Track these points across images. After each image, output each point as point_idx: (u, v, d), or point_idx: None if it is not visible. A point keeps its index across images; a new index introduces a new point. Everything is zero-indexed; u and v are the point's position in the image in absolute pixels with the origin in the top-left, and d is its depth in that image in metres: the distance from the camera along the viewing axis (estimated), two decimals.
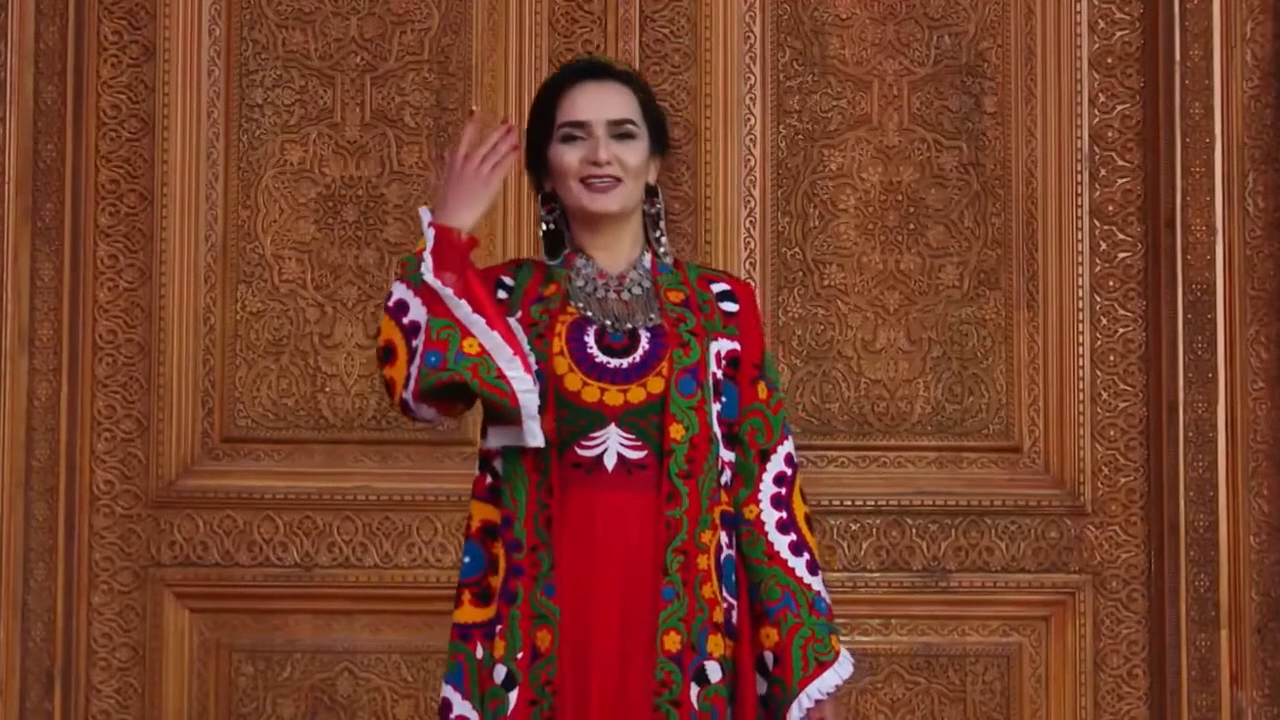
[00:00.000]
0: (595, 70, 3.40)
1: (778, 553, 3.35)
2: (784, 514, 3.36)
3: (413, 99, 4.89)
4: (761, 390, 3.38)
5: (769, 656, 3.33)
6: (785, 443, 3.39)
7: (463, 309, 3.18)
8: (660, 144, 3.42)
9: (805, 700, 3.33)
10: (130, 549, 4.86)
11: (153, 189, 4.87)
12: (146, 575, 4.85)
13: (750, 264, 4.85)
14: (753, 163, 4.87)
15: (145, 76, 4.89)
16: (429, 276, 3.19)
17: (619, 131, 3.35)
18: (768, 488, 3.36)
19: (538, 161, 3.41)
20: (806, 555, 3.36)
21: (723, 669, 3.28)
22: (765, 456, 3.37)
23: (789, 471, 3.38)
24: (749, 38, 4.88)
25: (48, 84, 4.84)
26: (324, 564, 4.84)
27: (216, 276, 4.87)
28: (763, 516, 3.35)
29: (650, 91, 3.44)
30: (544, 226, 3.41)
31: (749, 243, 4.86)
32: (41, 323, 4.83)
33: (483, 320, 3.18)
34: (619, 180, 3.34)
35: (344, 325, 4.86)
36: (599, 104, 3.35)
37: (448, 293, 3.18)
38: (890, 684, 4.85)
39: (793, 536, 3.36)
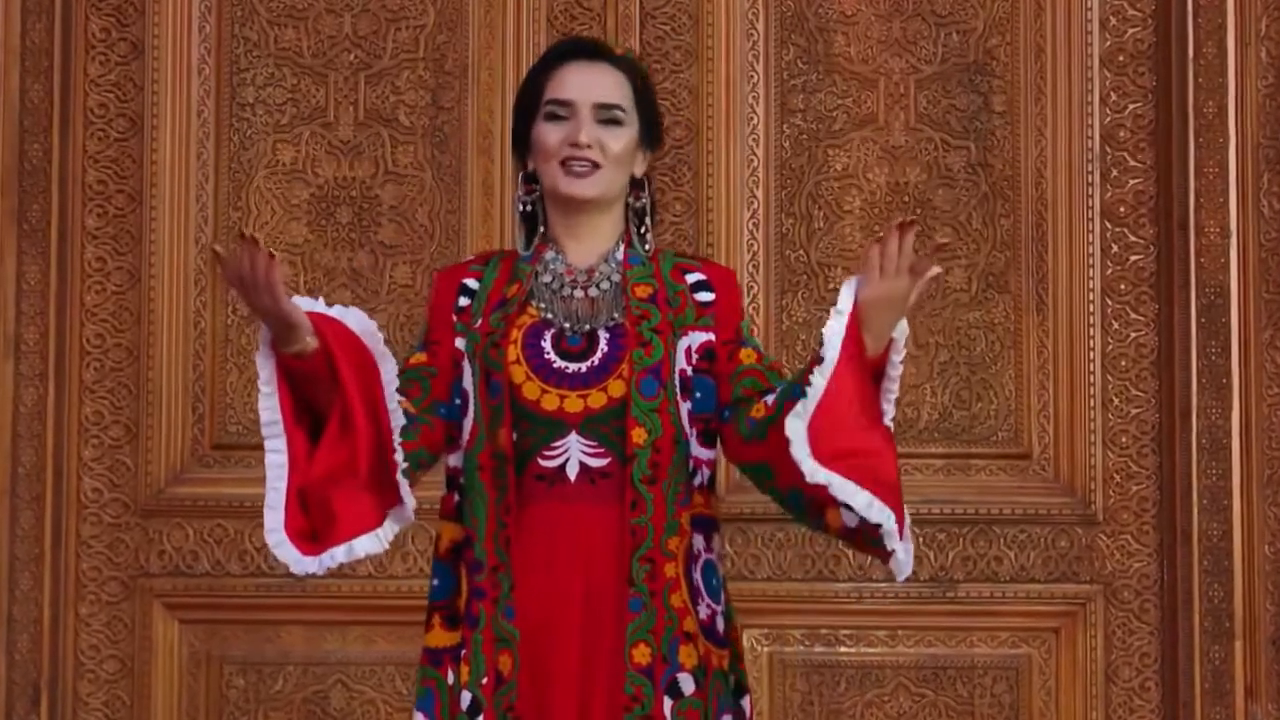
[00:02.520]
0: (589, 50, 3.32)
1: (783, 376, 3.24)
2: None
3: (408, 98, 4.86)
4: (747, 355, 3.27)
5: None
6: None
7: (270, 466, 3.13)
8: (652, 137, 3.33)
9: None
10: (118, 558, 4.84)
11: (141, 190, 4.85)
12: (135, 585, 4.83)
13: (753, 267, 4.83)
14: (756, 163, 4.84)
15: (134, 75, 4.87)
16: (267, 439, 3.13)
17: (605, 116, 3.25)
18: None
19: (522, 139, 3.32)
20: None
21: (695, 681, 3.18)
22: (767, 395, 3.23)
23: None
24: (752, 35, 4.85)
25: (34, 82, 4.82)
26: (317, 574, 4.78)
27: (207, 279, 4.84)
28: (765, 401, 3.19)
29: (649, 81, 3.36)
30: (521, 207, 3.32)
31: (752, 245, 4.84)
32: (28, 326, 4.81)
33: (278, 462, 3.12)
34: (598, 166, 3.24)
35: None
36: (587, 85, 3.26)
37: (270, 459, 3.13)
38: (897, 696, 4.82)
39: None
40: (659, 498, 3.17)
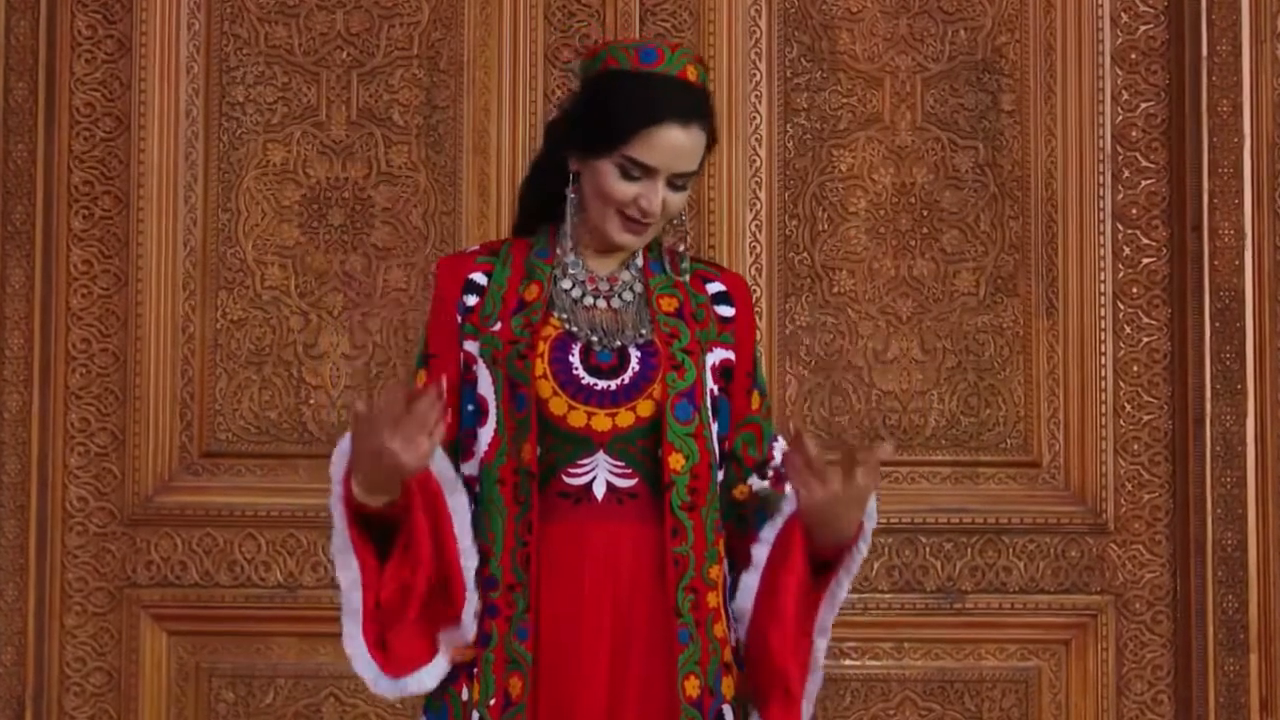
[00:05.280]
0: (687, 111, 3.16)
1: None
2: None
3: (401, 96, 4.82)
4: (754, 400, 3.26)
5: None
6: (777, 443, 3.26)
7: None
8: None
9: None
10: (105, 568, 4.79)
11: (128, 191, 4.81)
12: (122, 596, 4.79)
13: (756, 270, 4.79)
14: (759, 164, 4.81)
15: (121, 73, 4.83)
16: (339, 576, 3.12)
17: (678, 183, 3.18)
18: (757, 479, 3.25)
19: (572, 148, 3.20)
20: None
21: (734, 711, 3.15)
22: (761, 466, 3.24)
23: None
24: (755, 33, 4.82)
25: (18, 81, 4.78)
26: (309, 584, 4.78)
27: (195, 283, 4.81)
28: (752, 486, 3.21)
29: (715, 120, 3.24)
30: (571, 196, 3.21)
31: (755, 247, 4.80)
32: (12, 331, 4.78)
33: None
34: (650, 222, 3.19)
35: (329, 334, 4.79)
36: (674, 156, 3.15)
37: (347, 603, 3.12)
38: (903, 710, 4.79)
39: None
40: (699, 525, 3.12)
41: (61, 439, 4.79)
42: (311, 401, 4.78)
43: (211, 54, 4.82)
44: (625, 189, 3.15)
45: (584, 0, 4.78)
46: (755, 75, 4.80)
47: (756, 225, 4.79)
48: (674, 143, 3.14)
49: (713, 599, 3.12)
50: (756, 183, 4.79)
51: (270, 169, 4.82)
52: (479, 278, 3.22)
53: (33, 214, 4.76)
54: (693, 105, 3.17)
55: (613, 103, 3.16)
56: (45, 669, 4.76)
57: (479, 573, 3.12)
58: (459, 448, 3.17)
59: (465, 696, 3.12)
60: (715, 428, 3.17)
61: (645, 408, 3.12)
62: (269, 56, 4.83)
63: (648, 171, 3.14)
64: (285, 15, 4.84)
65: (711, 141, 3.21)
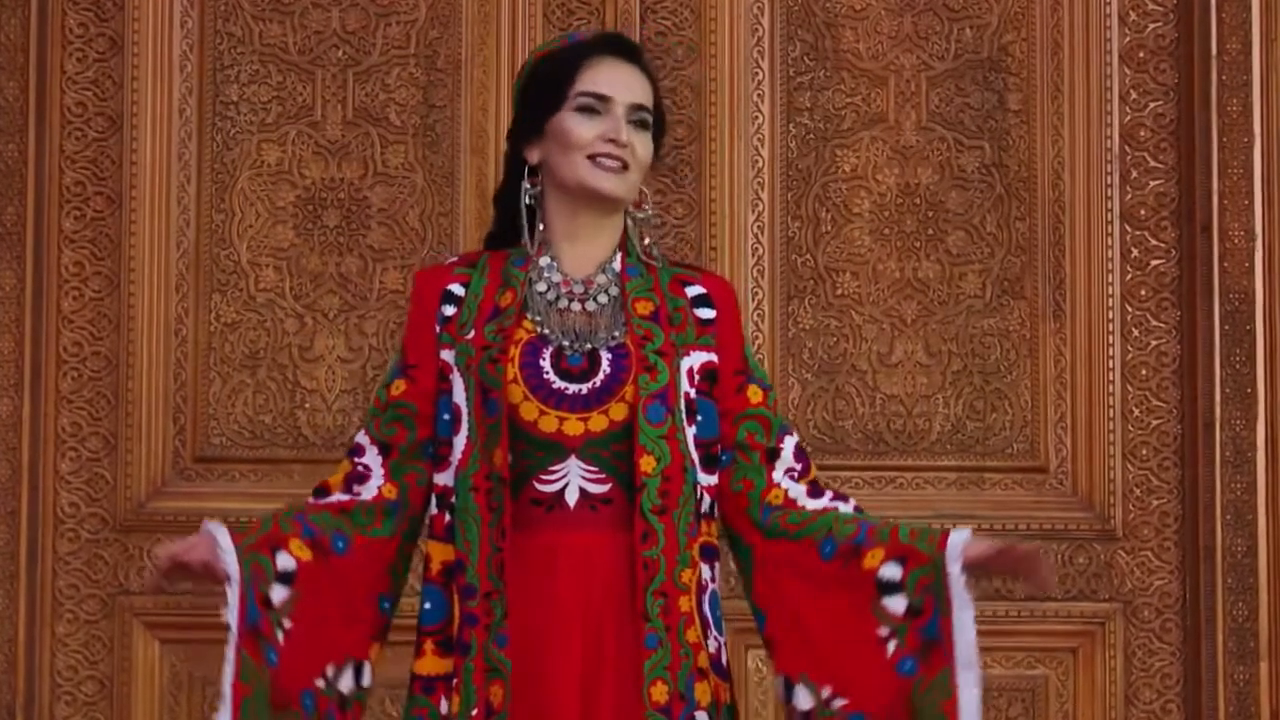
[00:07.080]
0: (626, 48, 3.27)
1: (825, 507, 3.19)
2: (809, 486, 3.21)
3: (398, 96, 4.80)
4: (754, 394, 3.23)
5: (891, 568, 3.10)
6: (789, 437, 3.24)
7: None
8: (659, 147, 3.29)
9: (957, 543, 3.09)
10: (97, 575, 4.76)
11: (121, 192, 4.78)
12: (114, 603, 4.76)
13: (758, 272, 4.76)
14: (761, 164, 4.78)
15: (113, 71, 4.80)
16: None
17: (637, 118, 3.20)
18: (781, 477, 3.21)
19: (529, 131, 3.23)
20: (853, 502, 3.23)
21: (710, 718, 3.12)
22: (773, 455, 3.22)
23: (799, 467, 3.23)
24: (757, 30, 4.79)
25: (9, 80, 4.76)
26: None
27: (189, 285, 4.78)
28: (791, 494, 3.19)
29: (659, 88, 3.31)
30: (527, 200, 3.22)
31: (757, 249, 4.77)
32: (2, 335, 4.75)
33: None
34: (626, 167, 3.18)
35: (324, 337, 4.77)
36: (626, 84, 3.20)
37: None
38: None
39: (830, 493, 3.22)
40: (670, 528, 3.09)
41: (53, 444, 4.76)
42: (307, 405, 4.76)
43: (205, 52, 4.80)
44: (588, 128, 3.17)
45: None
46: (757, 74, 4.78)
47: (759, 226, 4.76)
48: (619, 72, 3.20)
49: (684, 603, 3.10)
50: (759, 183, 4.77)
51: (265, 169, 4.79)
52: (456, 288, 3.23)
53: (23, 215, 4.74)
54: (631, 48, 3.26)
55: (549, 66, 3.22)
56: (36, 677, 4.73)
57: (457, 580, 3.11)
58: (435, 458, 3.17)
59: (444, 709, 3.12)
60: (693, 431, 3.14)
61: (618, 411, 3.10)
62: (263, 55, 4.80)
63: (604, 101, 3.17)
64: (280, 13, 4.81)
65: (658, 104, 3.23)
